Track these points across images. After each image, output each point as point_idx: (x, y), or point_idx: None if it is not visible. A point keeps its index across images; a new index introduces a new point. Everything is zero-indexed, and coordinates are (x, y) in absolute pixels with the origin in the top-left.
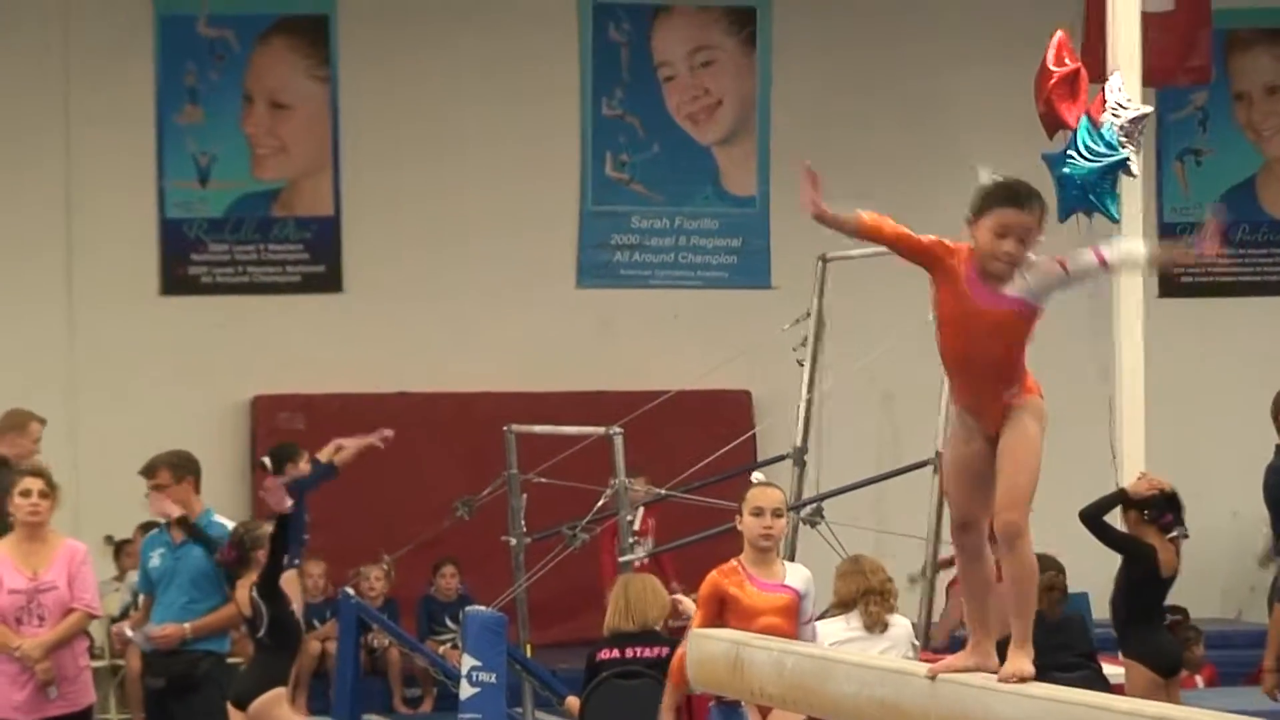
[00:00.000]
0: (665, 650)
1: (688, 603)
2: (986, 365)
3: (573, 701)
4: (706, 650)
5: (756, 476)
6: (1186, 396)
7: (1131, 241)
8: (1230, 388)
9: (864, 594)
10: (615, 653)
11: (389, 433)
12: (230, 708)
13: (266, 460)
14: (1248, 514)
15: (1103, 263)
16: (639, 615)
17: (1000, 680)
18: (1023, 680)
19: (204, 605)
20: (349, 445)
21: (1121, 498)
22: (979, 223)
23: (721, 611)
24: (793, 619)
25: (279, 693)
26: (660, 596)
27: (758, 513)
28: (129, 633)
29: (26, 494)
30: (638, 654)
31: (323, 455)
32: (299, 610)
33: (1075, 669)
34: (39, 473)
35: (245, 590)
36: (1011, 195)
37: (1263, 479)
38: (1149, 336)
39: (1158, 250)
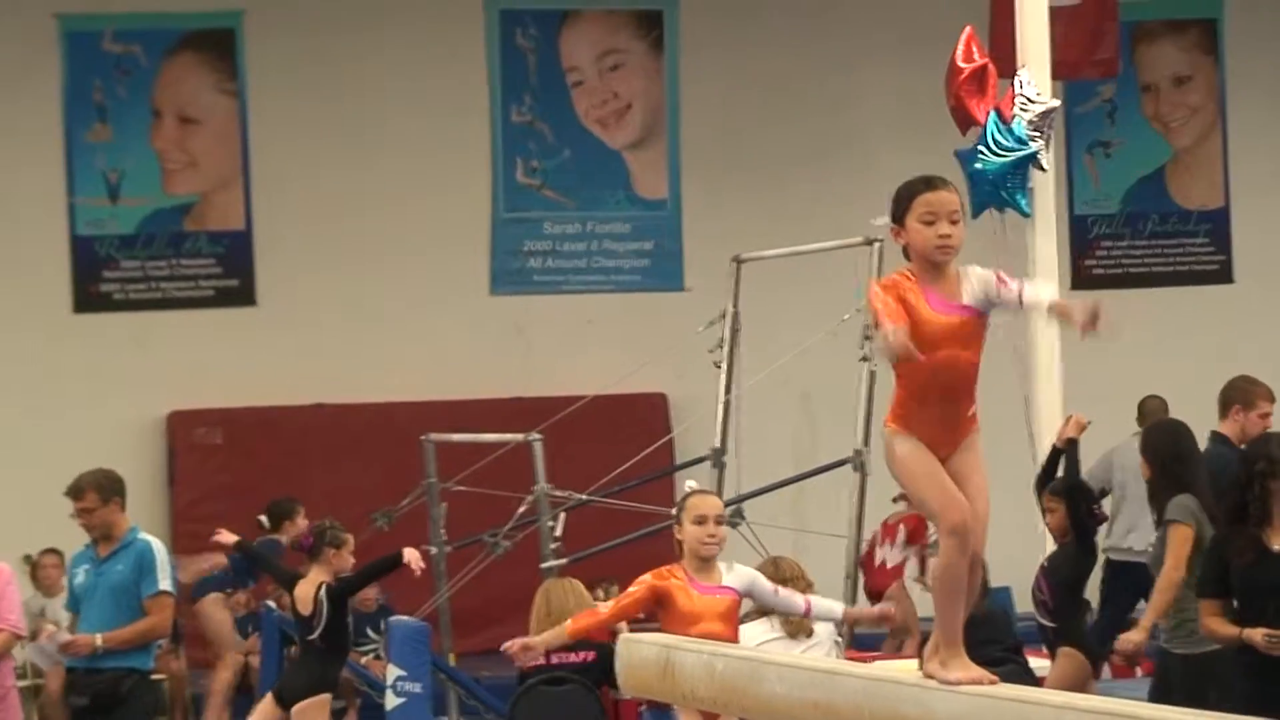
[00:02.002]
0: (592, 655)
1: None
2: (958, 378)
3: None
4: (637, 654)
5: (691, 484)
6: (1102, 389)
7: (1045, 286)
8: (1145, 378)
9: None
10: (541, 660)
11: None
12: (270, 700)
13: (263, 518)
14: None
15: (1019, 299)
16: (561, 621)
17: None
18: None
19: (124, 621)
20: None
21: (1056, 453)
22: (905, 224)
23: (656, 610)
24: (732, 623)
25: (325, 699)
26: (583, 600)
27: (700, 520)
28: (40, 645)
29: None
30: (564, 660)
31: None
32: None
33: (1001, 663)
34: None
35: (309, 586)
36: (922, 181)
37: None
38: (1063, 330)
39: (1059, 302)
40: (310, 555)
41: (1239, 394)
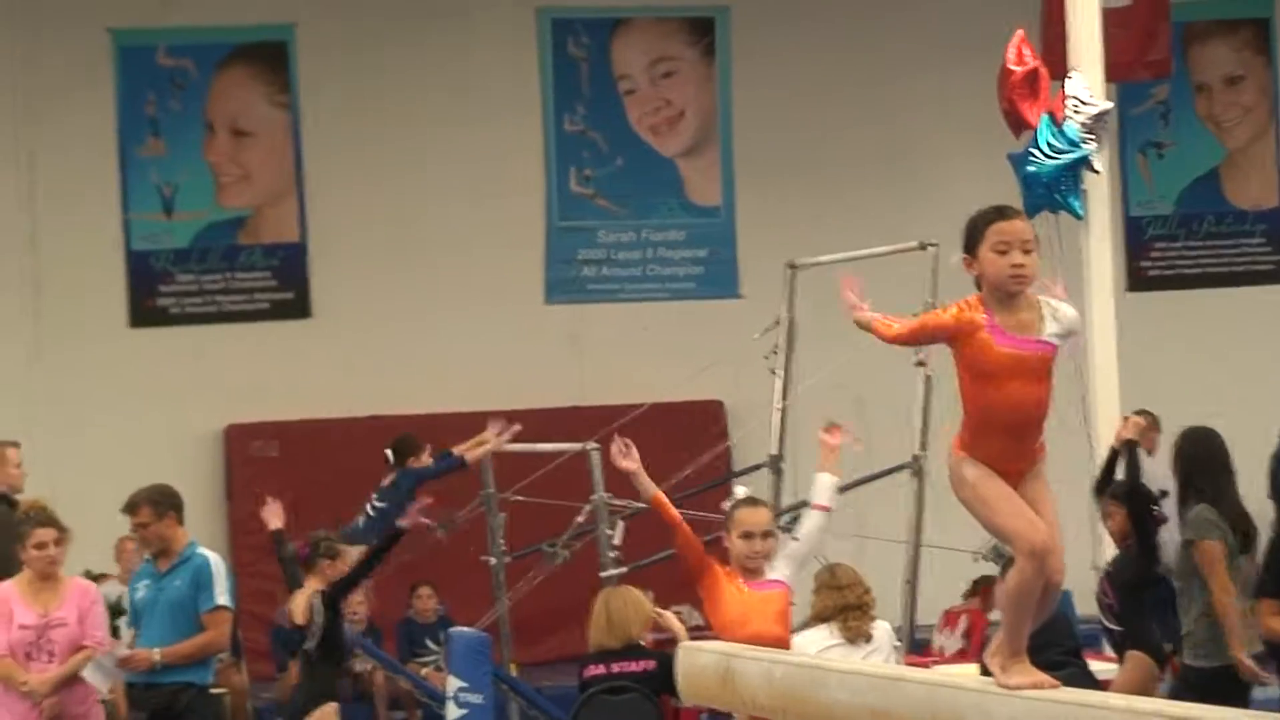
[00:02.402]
0: (652, 664)
1: (669, 617)
2: (1028, 413)
3: None
4: (696, 662)
5: (739, 490)
6: (1158, 390)
7: None
8: (1200, 379)
9: (841, 611)
10: (601, 669)
11: (516, 427)
12: None
13: (389, 452)
14: None
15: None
16: (621, 630)
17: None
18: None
19: (182, 636)
20: (489, 443)
21: (1114, 455)
22: (978, 254)
23: (707, 582)
24: (784, 621)
25: (332, 708)
26: (642, 609)
27: (747, 536)
28: (98, 660)
29: (42, 546)
30: (624, 669)
31: (461, 449)
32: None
33: (1062, 667)
34: (49, 521)
35: (304, 596)
36: (995, 211)
37: (1270, 468)
38: (1119, 331)
39: None
40: (305, 566)
41: None
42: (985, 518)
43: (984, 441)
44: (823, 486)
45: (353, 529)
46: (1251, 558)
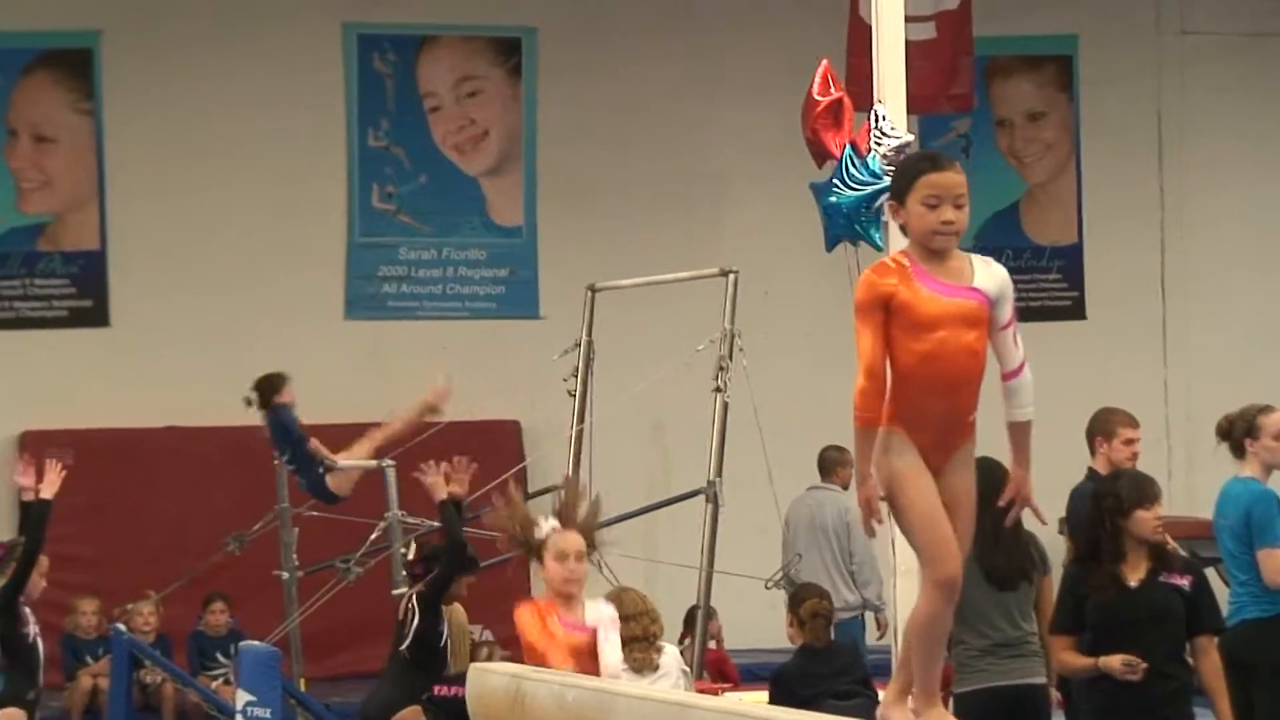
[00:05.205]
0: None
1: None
2: (959, 367)
3: None
4: (486, 685)
5: (552, 523)
6: None
7: (1029, 396)
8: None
9: (626, 644)
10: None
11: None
12: None
13: (252, 395)
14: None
15: (1014, 373)
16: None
17: None
18: None
19: None
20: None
21: None
22: (906, 204)
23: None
24: (593, 660)
25: (415, 711)
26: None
27: (561, 557)
28: None
29: None
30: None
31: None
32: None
33: (851, 696)
34: None
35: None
36: (929, 159)
37: (1067, 503)
38: None
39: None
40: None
41: (1099, 426)
42: (903, 524)
43: (915, 405)
44: None
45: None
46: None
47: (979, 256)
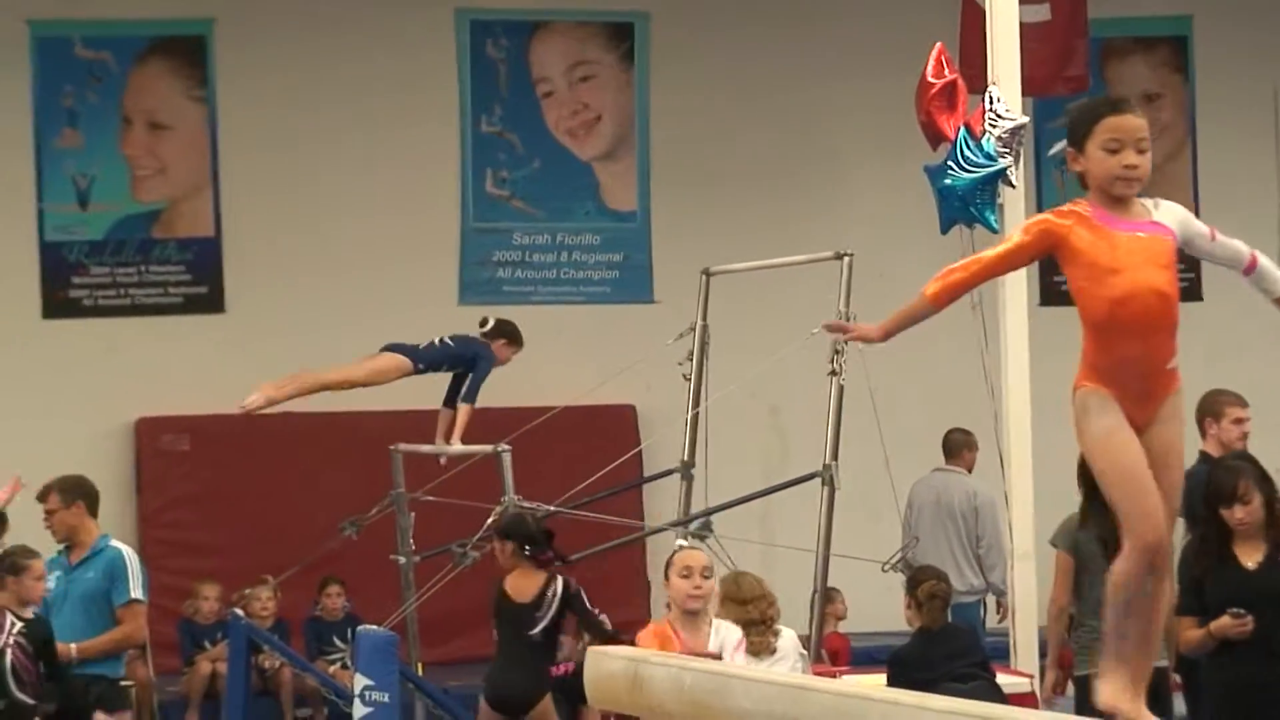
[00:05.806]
0: (571, 668)
1: None
2: (1152, 307)
3: None
4: (604, 668)
5: (680, 542)
6: (1068, 404)
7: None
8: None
9: (744, 627)
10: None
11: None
12: (483, 706)
13: (489, 320)
14: None
15: (1252, 264)
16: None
17: None
18: None
19: (96, 629)
20: None
21: None
22: (1086, 150)
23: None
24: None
25: (549, 699)
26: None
27: (686, 574)
28: None
29: None
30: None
31: None
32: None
33: (969, 679)
34: None
35: (532, 579)
36: (1108, 103)
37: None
38: (1031, 345)
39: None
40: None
41: (1208, 407)
42: (1103, 485)
43: (1111, 356)
44: None
45: (411, 347)
46: None
47: (1156, 200)
